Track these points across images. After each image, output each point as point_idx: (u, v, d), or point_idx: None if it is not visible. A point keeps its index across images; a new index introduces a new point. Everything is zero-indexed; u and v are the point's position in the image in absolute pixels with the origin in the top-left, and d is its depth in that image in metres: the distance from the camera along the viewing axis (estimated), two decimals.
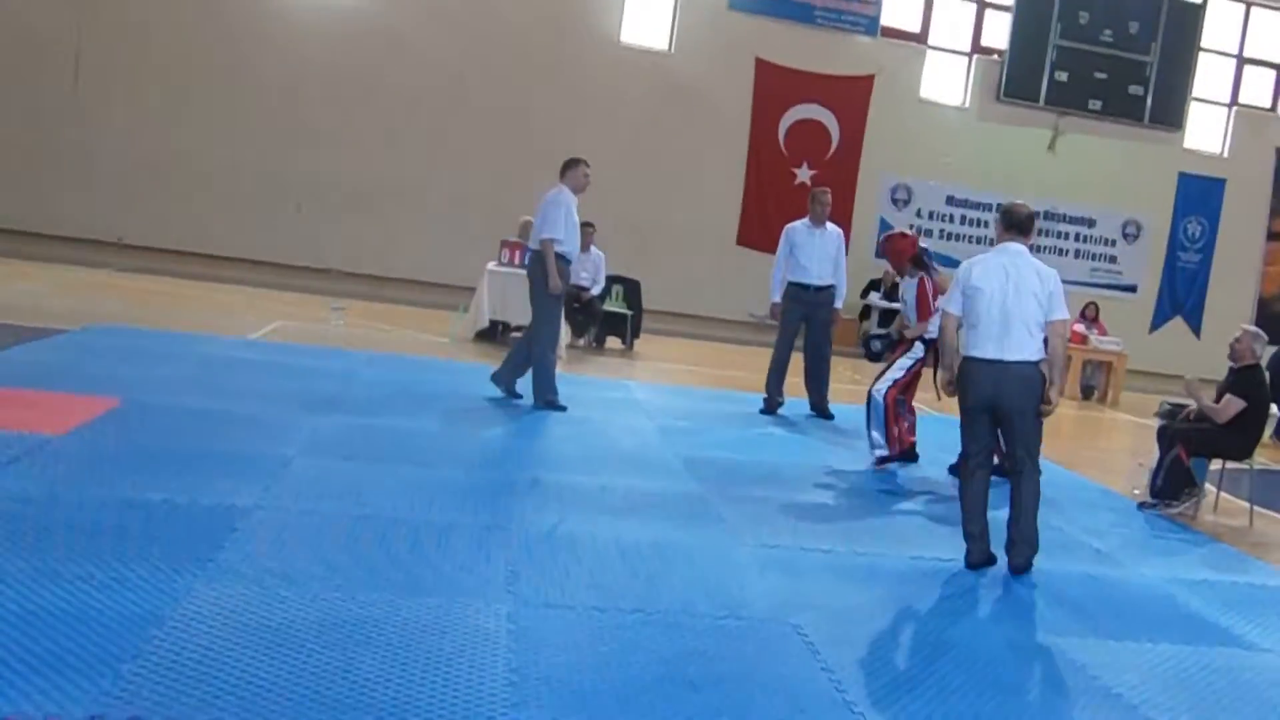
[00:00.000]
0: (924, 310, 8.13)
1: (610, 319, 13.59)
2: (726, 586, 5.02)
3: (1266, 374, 8.19)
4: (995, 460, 6.42)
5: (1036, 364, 5.79)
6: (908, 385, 8.28)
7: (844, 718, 3.79)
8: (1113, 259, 21.81)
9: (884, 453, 8.07)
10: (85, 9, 17.54)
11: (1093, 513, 7.64)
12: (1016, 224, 6.01)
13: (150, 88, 17.81)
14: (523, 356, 8.92)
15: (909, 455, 8.30)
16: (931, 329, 7.86)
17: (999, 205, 20.68)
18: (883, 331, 7.76)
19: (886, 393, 8.14)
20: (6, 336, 8.58)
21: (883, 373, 8.39)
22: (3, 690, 3.21)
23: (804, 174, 19.86)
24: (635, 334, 13.75)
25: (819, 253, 9.68)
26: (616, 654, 4.06)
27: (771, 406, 9.88)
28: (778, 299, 9.89)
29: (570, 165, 9.03)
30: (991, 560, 5.83)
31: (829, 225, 9.85)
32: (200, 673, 3.47)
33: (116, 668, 3.42)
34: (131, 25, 17.65)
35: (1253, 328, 8.15)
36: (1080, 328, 15.83)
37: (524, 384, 8.86)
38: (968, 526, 5.89)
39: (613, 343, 13.69)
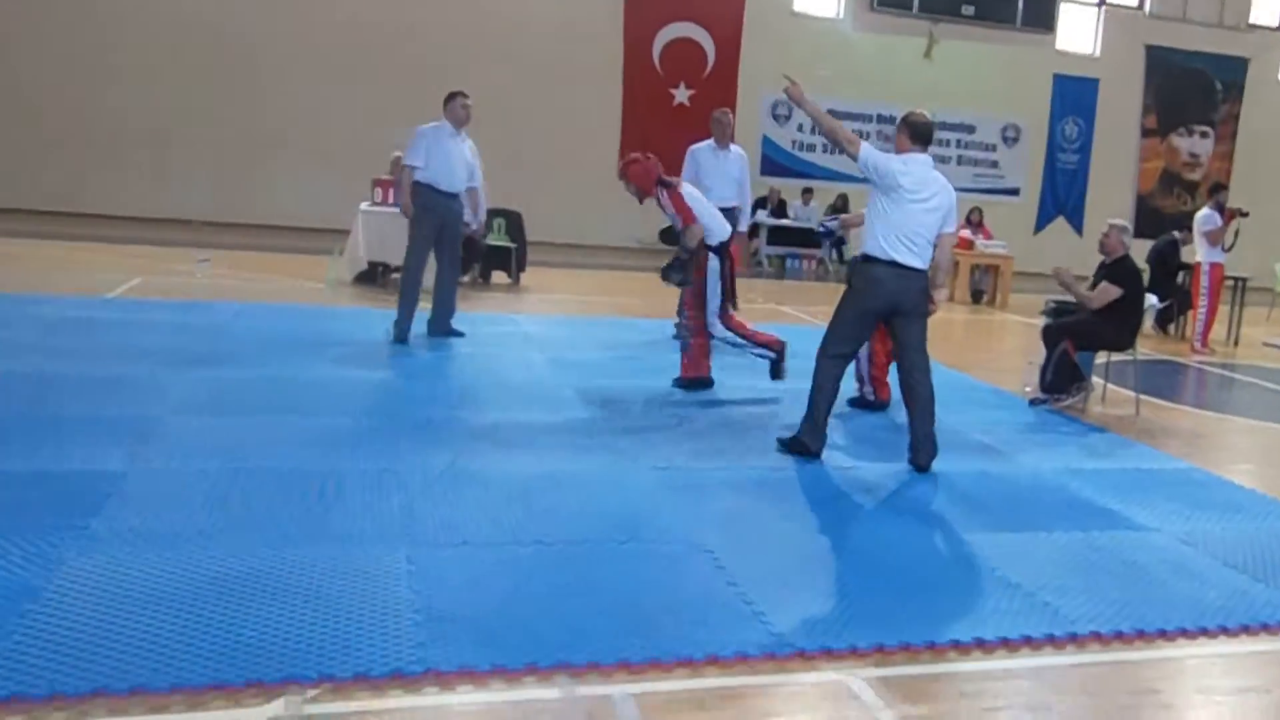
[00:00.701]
0: (687, 214, 7.53)
1: (494, 253, 13.35)
2: (626, 512, 4.98)
3: (1147, 267, 8.38)
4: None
5: (925, 273, 6.07)
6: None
7: (753, 628, 3.80)
8: (994, 164, 22.13)
9: (771, 355, 7.77)
10: None
11: (985, 411, 7.77)
12: (922, 134, 6.14)
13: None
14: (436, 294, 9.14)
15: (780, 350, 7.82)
16: (707, 230, 7.51)
17: (879, 115, 20.95)
18: (675, 259, 7.46)
19: (724, 325, 7.67)
20: None
21: (699, 304, 7.66)
22: None
23: (682, 94, 19.73)
24: (521, 267, 13.54)
25: (722, 175, 9.53)
26: (519, 586, 4.01)
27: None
28: None
29: (448, 99, 9.02)
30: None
31: (732, 146, 9.72)
32: (81, 643, 3.33)
33: None
34: None
35: (1119, 221, 8.37)
36: (966, 233, 16.04)
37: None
38: (824, 414, 6.16)
39: (498, 277, 13.49)
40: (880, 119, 21.17)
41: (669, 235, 8.27)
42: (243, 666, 3.26)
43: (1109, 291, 7.88)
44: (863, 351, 7.43)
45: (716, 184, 9.37)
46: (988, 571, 4.50)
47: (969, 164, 21.88)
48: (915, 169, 6.04)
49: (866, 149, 6.01)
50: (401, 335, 8.72)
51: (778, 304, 13.21)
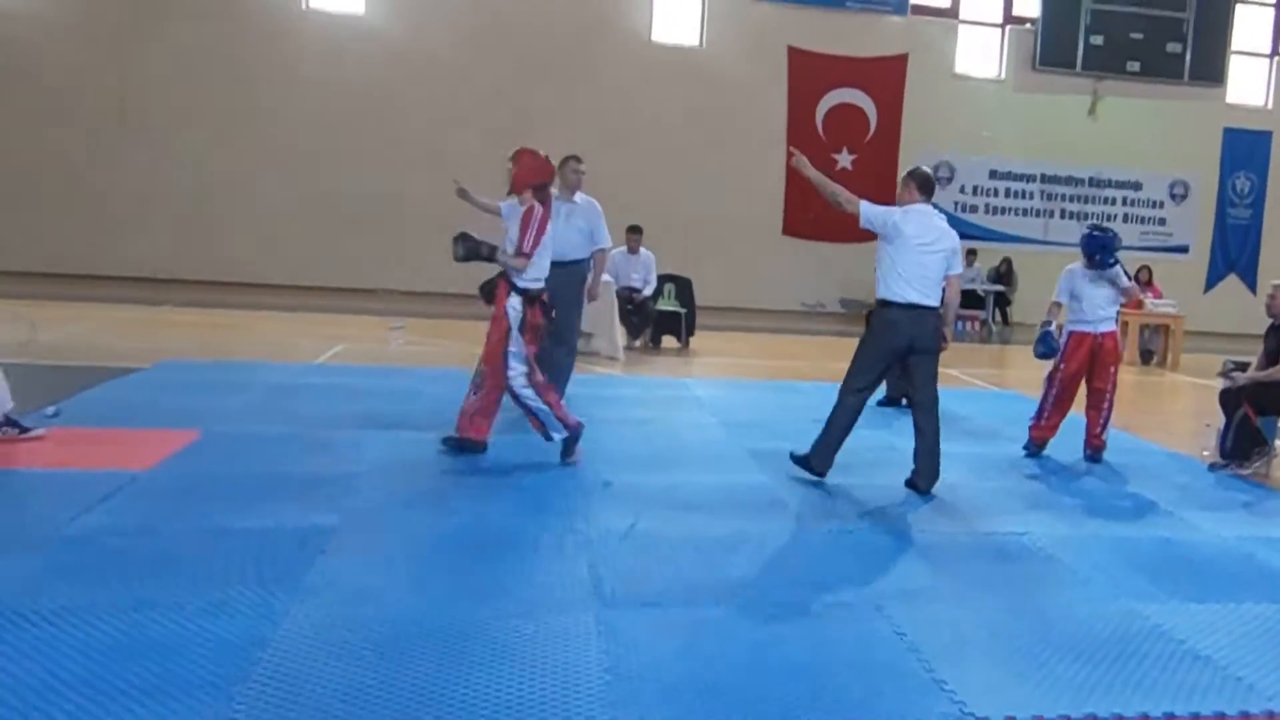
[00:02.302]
0: (524, 238, 6.71)
1: (664, 318, 13.67)
2: (805, 574, 5.09)
3: None
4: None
5: (939, 311, 6.74)
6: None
7: (935, 697, 3.83)
8: (1162, 220, 21.62)
9: (566, 435, 6.96)
10: (128, 52, 17.89)
11: (1162, 477, 7.62)
12: (926, 186, 6.83)
13: (190, 126, 18.14)
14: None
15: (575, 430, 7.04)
16: (530, 274, 6.80)
17: (1044, 175, 20.71)
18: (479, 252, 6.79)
19: (527, 383, 6.85)
20: (85, 377, 8.80)
21: (498, 352, 6.83)
22: (115, 717, 3.33)
23: (845, 159, 19.86)
24: (690, 331, 13.82)
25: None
26: (705, 648, 4.13)
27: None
28: None
29: (559, 166, 8.04)
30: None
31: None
32: (307, 690, 3.58)
33: (227, 690, 3.53)
34: (174, 65, 17.97)
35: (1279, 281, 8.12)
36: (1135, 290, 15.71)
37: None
38: (837, 437, 6.81)
39: (668, 342, 13.76)
40: (1045, 179, 20.94)
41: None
42: (448, 717, 3.46)
43: None
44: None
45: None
46: (1176, 643, 4.43)
47: (1135, 221, 21.43)
48: (917, 218, 6.68)
49: (865, 207, 6.65)
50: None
51: (943, 367, 13.11)
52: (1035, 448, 8.14)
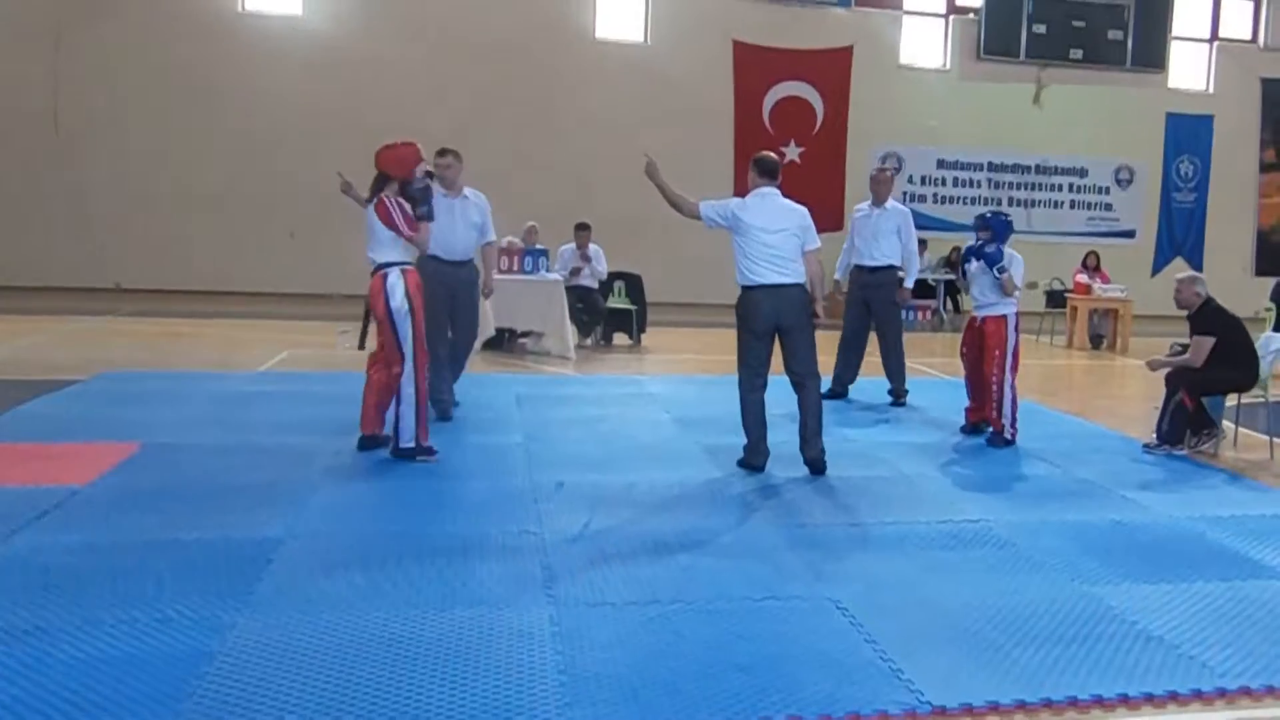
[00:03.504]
0: (393, 223, 6.75)
1: (615, 315, 13.63)
2: (761, 569, 5.06)
3: (1273, 304, 8.27)
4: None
5: (803, 285, 6.83)
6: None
7: (893, 686, 3.83)
8: (1108, 206, 21.83)
9: (411, 448, 6.89)
10: (60, 52, 17.60)
11: (1114, 460, 7.68)
12: (768, 170, 7.03)
13: (126, 131, 17.89)
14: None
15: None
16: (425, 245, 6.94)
17: (990, 163, 20.85)
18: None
19: (416, 382, 6.85)
20: (21, 392, 8.63)
21: (391, 343, 6.85)
22: None
23: (793, 152, 19.87)
24: (641, 328, 13.78)
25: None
26: (661, 645, 4.11)
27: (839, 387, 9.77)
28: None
29: (435, 156, 8.12)
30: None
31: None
32: (256, 703, 3.52)
33: (173, 707, 3.47)
34: (107, 69, 17.70)
35: (1186, 273, 8.26)
36: (1083, 277, 15.85)
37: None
38: (756, 433, 6.93)
39: (620, 339, 13.72)
40: (991, 167, 21.08)
41: None
42: None
43: (1203, 345, 7.76)
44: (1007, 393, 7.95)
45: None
46: (1129, 625, 4.46)
47: (1082, 208, 21.64)
48: (759, 203, 6.89)
49: (704, 207, 6.98)
50: (443, 413, 8.16)
51: None
52: (971, 428, 8.37)
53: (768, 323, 6.78)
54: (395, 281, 6.77)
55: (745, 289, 6.85)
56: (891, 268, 9.64)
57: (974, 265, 8.20)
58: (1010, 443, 7.96)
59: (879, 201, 9.73)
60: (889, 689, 3.81)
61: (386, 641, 4.04)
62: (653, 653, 4.04)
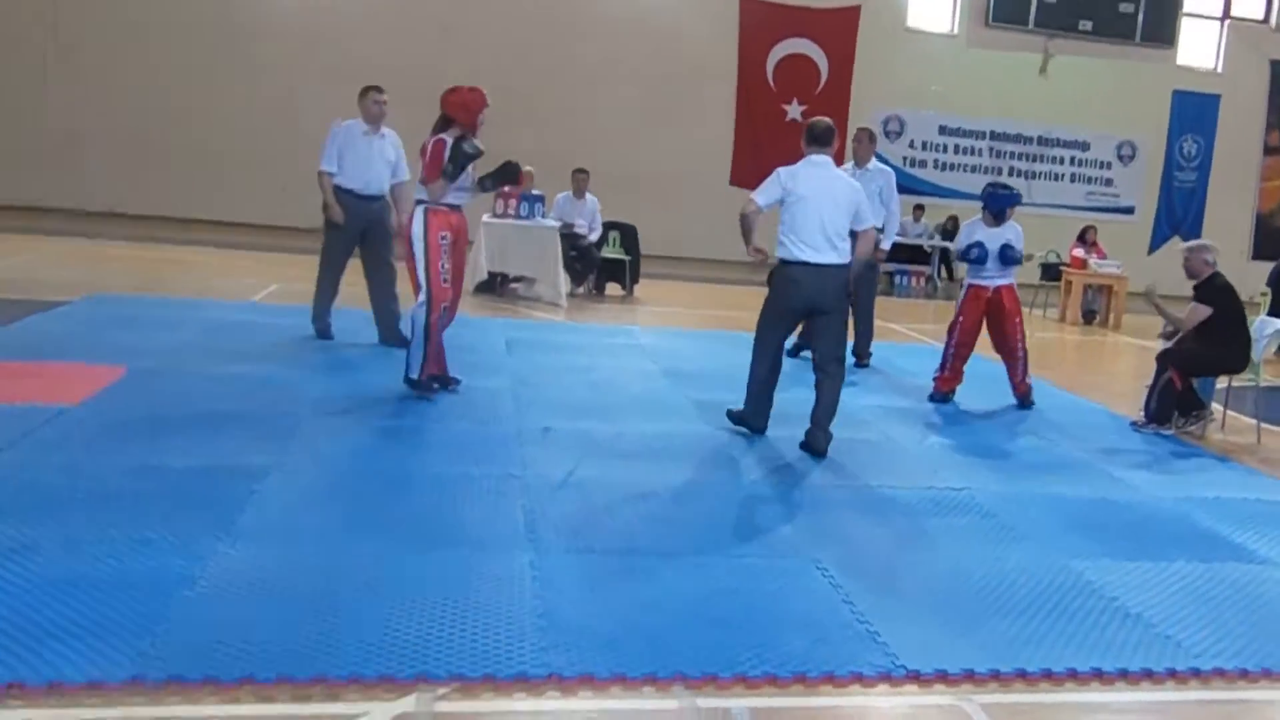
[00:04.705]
0: (423, 160, 6.87)
1: (609, 265, 13.59)
2: (744, 525, 5.10)
3: (1269, 289, 8.24)
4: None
5: (847, 266, 6.43)
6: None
7: (868, 648, 3.85)
8: (1109, 181, 21.74)
9: (415, 376, 6.97)
10: None
11: (1101, 436, 7.70)
12: (817, 137, 6.52)
13: (130, 55, 17.66)
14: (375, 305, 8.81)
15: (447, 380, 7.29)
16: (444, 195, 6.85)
17: (993, 131, 20.70)
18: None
19: (426, 318, 6.89)
20: (10, 310, 8.59)
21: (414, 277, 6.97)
22: (43, 655, 3.26)
23: (795, 110, 19.73)
24: (634, 279, 13.75)
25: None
26: (640, 595, 4.12)
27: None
28: None
29: (361, 95, 8.58)
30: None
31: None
32: (233, 630, 3.52)
33: (152, 629, 3.47)
34: None
35: (1193, 242, 8.24)
36: (1079, 251, 15.82)
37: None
38: (760, 407, 6.68)
39: (612, 289, 13.68)
40: (994, 135, 20.96)
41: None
42: (378, 662, 3.41)
43: (1199, 312, 7.75)
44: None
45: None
46: (1107, 601, 4.47)
47: (1082, 181, 21.55)
48: (809, 171, 6.41)
49: (756, 196, 6.45)
50: (322, 331, 8.68)
51: (886, 321, 13.15)
52: (941, 396, 8.37)
53: (803, 303, 6.44)
54: (420, 218, 6.83)
55: (784, 262, 6.39)
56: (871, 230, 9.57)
57: (988, 231, 8.35)
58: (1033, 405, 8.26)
59: (861, 163, 9.62)
60: (865, 651, 3.82)
61: (370, 577, 4.04)
62: (631, 602, 4.05)
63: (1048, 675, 3.79)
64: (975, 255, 8.34)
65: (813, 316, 6.51)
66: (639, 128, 18.86)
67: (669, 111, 19.12)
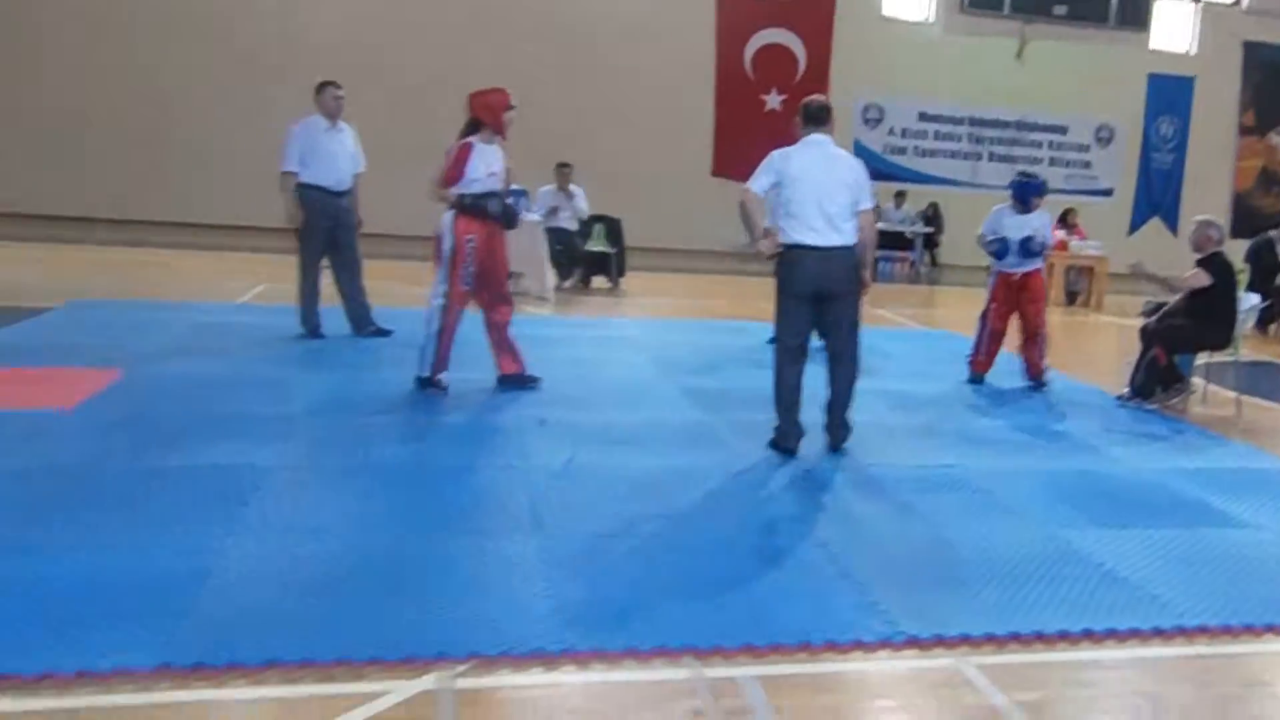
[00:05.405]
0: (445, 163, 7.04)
1: (594, 259, 13.68)
2: (741, 504, 5.23)
3: (1246, 267, 8.38)
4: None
5: (854, 249, 6.09)
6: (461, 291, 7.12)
7: (868, 616, 3.97)
8: (1087, 164, 21.87)
9: (427, 376, 7.15)
10: None
11: (1085, 412, 7.85)
12: (813, 116, 6.26)
13: (109, 51, 17.68)
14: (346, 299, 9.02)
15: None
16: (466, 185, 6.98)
17: (971, 118, 20.77)
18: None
19: (444, 312, 7.07)
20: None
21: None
22: (71, 645, 3.36)
23: (774, 100, 19.77)
24: (620, 272, 13.85)
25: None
26: (645, 575, 4.24)
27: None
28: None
29: (318, 89, 8.69)
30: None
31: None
32: (251, 619, 3.63)
33: (174, 621, 3.57)
34: None
35: (1204, 217, 8.39)
36: (1060, 234, 15.96)
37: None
38: (788, 425, 6.21)
39: (598, 282, 13.79)
40: (972, 121, 21.08)
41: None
42: (397, 644, 3.52)
43: (1200, 277, 7.92)
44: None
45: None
46: (1094, 566, 4.61)
47: (1061, 165, 21.65)
48: (804, 151, 6.14)
49: (752, 184, 6.13)
50: (313, 330, 8.80)
51: (872, 307, 13.30)
52: (976, 379, 8.64)
53: (809, 286, 6.04)
54: (449, 220, 7.02)
55: (787, 248, 6.08)
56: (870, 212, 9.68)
57: (1015, 218, 8.59)
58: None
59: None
60: (865, 619, 3.95)
61: (377, 568, 4.14)
62: (637, 580, 4.17)
63: (1040, 637, 3.92)
64: (996, 250, 8.56)
65: (821, 302, 6.11)
66: (620, 121, 18.94)
67: (648, 104, 19.20)
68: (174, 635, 3.47)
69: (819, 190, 6.00)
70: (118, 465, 5.19)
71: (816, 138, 6.21)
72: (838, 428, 6.26)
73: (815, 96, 6.49)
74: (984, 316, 8.71)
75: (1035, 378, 8.59)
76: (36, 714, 3.07)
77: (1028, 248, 8.45)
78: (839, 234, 6.02)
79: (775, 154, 6.21)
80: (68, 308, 9.45)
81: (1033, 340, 8.61)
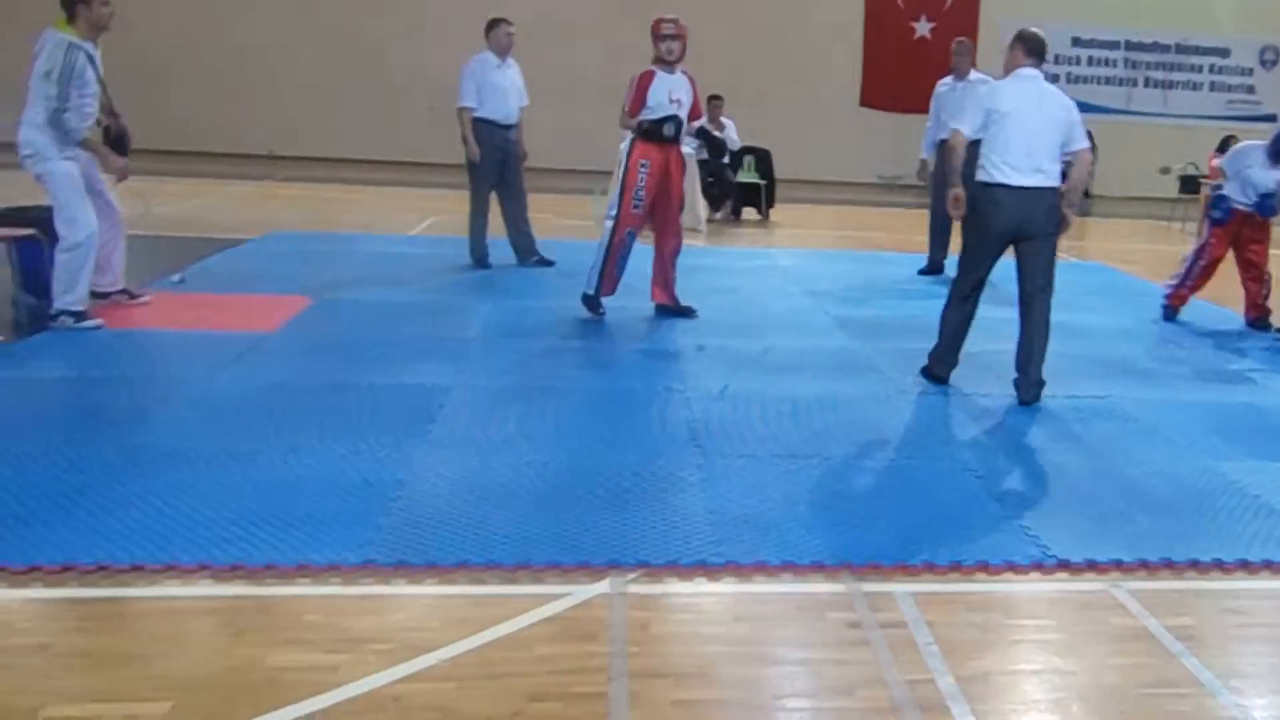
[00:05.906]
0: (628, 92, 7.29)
1: (744, 190, 13.77)
2: (893, 430, 5.38)
3: None
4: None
5: (1055, 189, 5.83)
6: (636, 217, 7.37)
7: (1020, 540, 4.12)
8: (1250, 89, 21.00)
9: (591, 294, 7.47)
10: None
11: (1244, 344, 7.80)
12: (1035, 49, 5.94)
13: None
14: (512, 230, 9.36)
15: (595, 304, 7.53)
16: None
17: (1128, 41, 20.05)
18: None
19: (612, 234, 7.36)
20: (199, 247, 9.26)
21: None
22: (289, 541, 3.75)
23: (923, 27, 19.50)
24: (770, 203, 13.93)
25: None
26: (801, 495, 4.44)
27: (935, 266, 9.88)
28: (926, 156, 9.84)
29: (490, 26, 8.99)
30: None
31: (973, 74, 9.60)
32: (443, 523, 3.96)
33: (375, 521, 3.93)
34: None
35: None
36: (1218, 162, 15.44)
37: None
38: (946, 355, 6.21)
39: (749, 214, 13.89)
40: (1129, 45, 20.39)
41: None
42: (574, 550, 3.82)
43: None
44: None
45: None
46: (1250, 498, 4.65)
47: (1222, 90, 20.85)
48: (1016, 86, 5.87)
49: (962, 127, 5.91)
50: (480, 260, 9.14)
51: None
52: (1171, 312, 8.49)
53: (1006, 227, 5.79)
54: (626, 144, 7.31)
55: (984, 185, 5.80)
56: (974, 143, 9.56)
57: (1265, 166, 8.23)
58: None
59: (961, 75, 9.61)
60: (1017, 543, 4.10)
61: (556, 478, 4.45)
62: (793, 500, 4.38)
63: (1194, 565, 4.01)
64: (1219, 213, 8.39)
65: (1018, 242, 5.85)
66: (770, 53, 18.85)
67: (799, 35, 19.05)
68: (373, 535, 3.82)
69: (1028, 128, 5.74)
70: (313, 383, 5.62)
71: (1029, 72, 5.90)
72: (1031, 385, 5.95)
73: (1033, 29, 6.03)
74: (1200, 252, 8.46)
75: (1258, 319, 8.35)
76: (260, 598, 3.45)
77: (1265, 205, 8.11)
78: (1042, 174, 5.75)
79: (983, 89, 6.14)
80: (265, 239, 10.06)
81: (1258, 283, 8.38)
